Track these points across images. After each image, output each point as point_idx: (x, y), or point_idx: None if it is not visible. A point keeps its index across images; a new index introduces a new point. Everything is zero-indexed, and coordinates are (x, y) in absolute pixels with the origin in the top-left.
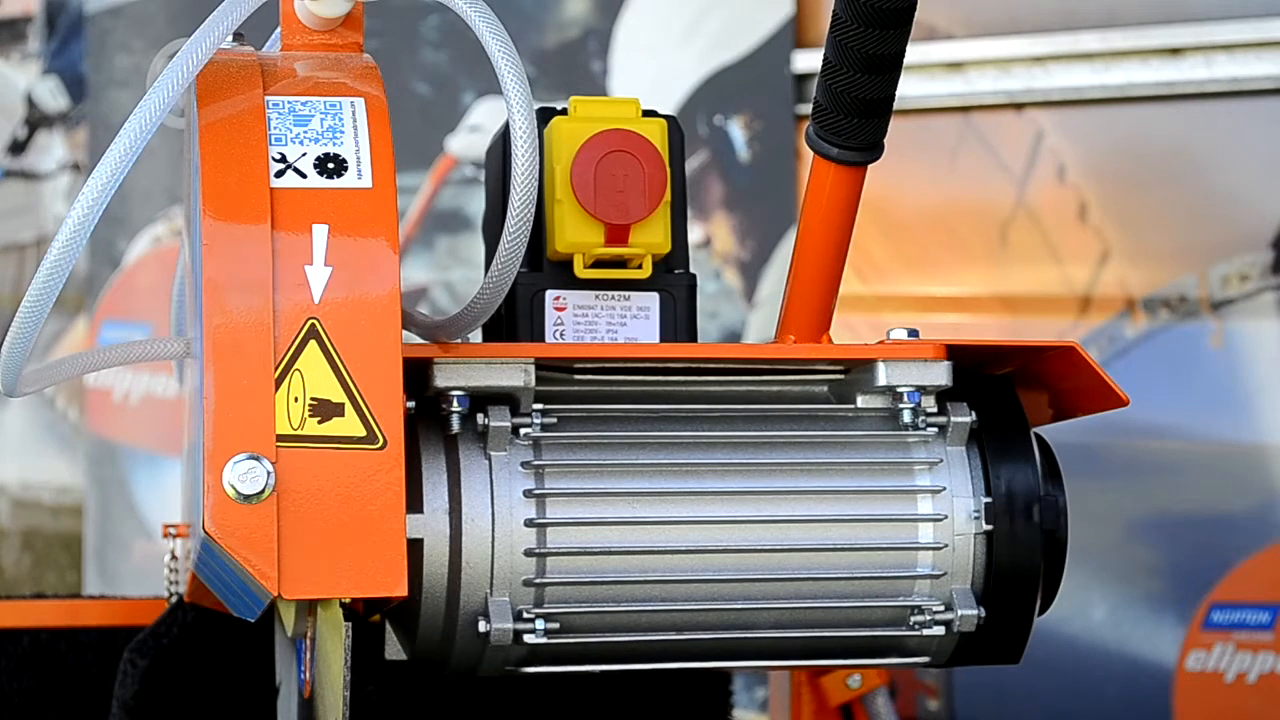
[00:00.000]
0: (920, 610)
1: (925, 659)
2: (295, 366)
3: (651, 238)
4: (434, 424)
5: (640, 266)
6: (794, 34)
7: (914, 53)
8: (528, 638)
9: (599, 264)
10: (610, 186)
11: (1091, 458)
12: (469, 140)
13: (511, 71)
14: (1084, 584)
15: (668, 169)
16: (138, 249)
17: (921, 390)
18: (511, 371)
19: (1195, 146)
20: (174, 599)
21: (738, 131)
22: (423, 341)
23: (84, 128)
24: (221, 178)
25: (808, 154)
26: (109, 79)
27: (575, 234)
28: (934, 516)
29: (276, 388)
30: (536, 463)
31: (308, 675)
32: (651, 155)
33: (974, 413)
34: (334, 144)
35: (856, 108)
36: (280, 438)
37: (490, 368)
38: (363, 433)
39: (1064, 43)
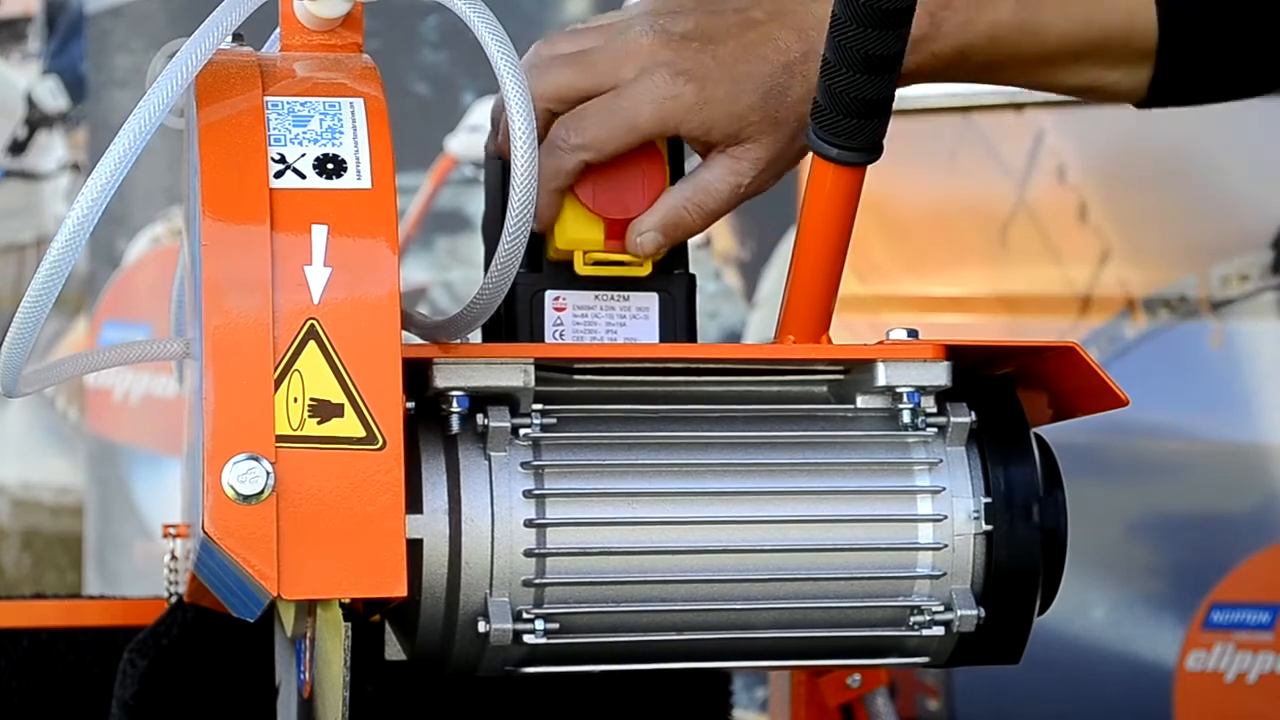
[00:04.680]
0: (920, 610)
1: (925, 659)
2: (295, 367)
3: None
4: (434, 424)
5: (640, 266)
6: None
7: None
8: (527, 638)
9: (598, 263)
10: (610, 185)
11: (1091, 458)
12: (469, 140)
13: (511, 72)
14: (1084, 584)
15: (667, 168)
16: (138, 249)
17: (921, 390)
18: (511, 372)
19: (1195, 146)
20: (174, 599)
21: None
22: (422, 341)
23: (84, 128)
24: (221, 178)
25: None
26: (109, 79)
27: (575, 231)
28: (933, 517)
29: (276, 388)
30: (536, 463)
31: (308, 675)
32: (651, 154)
33: (974, 413)
34: (333, 144)
35: (856, 108)
36: (280, 438)
37: (490, 368)
38: (362, 433)
39: None
